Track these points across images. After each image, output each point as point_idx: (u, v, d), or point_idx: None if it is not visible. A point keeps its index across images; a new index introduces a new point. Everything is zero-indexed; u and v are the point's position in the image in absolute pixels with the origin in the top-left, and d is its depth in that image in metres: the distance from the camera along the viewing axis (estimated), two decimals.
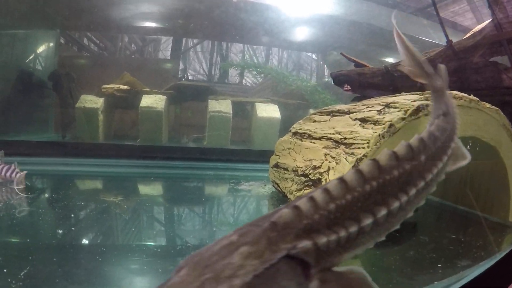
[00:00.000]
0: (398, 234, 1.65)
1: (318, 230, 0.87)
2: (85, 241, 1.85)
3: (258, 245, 0.83)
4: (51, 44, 6.30)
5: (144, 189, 3.47)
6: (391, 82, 2.18)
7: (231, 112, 5.01)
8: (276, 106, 5.19)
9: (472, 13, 4.81)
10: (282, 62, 7.42)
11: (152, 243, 1.90)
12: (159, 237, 2.03)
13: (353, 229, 0.89)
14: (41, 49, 6.25)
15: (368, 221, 0.91)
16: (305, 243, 0.84)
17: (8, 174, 2.68)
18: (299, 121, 2.55)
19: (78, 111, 5.14)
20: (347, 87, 6.74)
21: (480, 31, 2.09)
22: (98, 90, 5.41)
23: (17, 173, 2.69)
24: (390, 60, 5.25)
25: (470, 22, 4.85)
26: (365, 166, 0.94)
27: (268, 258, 0.80)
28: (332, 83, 6.94)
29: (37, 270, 1.39)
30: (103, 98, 5.30)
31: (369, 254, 1.56)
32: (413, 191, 0.99)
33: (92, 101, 5.22)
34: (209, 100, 5.22)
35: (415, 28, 5.28)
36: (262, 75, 6.75)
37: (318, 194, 0.89)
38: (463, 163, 1.27)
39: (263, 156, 4.32)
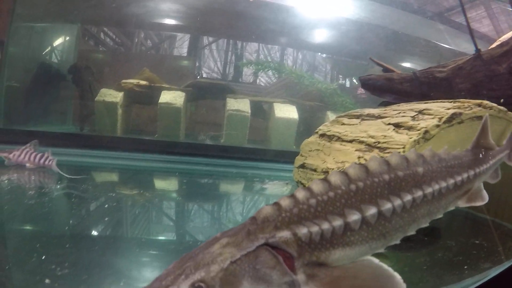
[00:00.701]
0: (426, 238, 1.74)
1: (298, 222, 0.91)
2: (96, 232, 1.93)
3: (237, 236, 0.89)
4: (72, 38, 6.37)
5: (171, 183, 3.59)
6: (419, 88, 2.25)
7: (249, 111, 5.07)
8: (294, 107, 5.24)
9: (490, 19, 4.84)
10: (297, 63, 7.47)
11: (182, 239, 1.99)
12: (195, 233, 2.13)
13: (337, 223, 0.93)
14: (61, 42, 6.32)
15: (354, 217, 0.95)
16: (284, 233, 0.89)
17: (42, 161, 2.86)
18: (326, 123, 2.62)
19: (97, 105, 5.20)
20: (361, 90, 6.80)
21: (508, 41, 2.15)
22: (118, 84, 5.47)
23: (50, 160, 2.86)
24: (407, 65, 5.30)
25: (487, 28, 4.87)
26: (351, 168, 1.02)
27: (246, 246, 0.86)
28: (347, 86, 7.04)
29: None
30: (123, 93, 5.37)
31: (400, 255, 1.65)
32: (408, 198, 1.04)
33: (111, 95, 5.29)
34: (227, 99, 5.27)
35: (432, 33, 5.32)
36: (277, 75, 6.81)
37: (299, 191, 0.96)
38: (478, 203, 1.35)
39: (281, 156, 4.43)
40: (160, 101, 5.15)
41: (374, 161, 1.05)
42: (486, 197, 1.37)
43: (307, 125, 5.20)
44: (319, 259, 0.92)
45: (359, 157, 1.85)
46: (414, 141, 1.64)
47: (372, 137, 1.89)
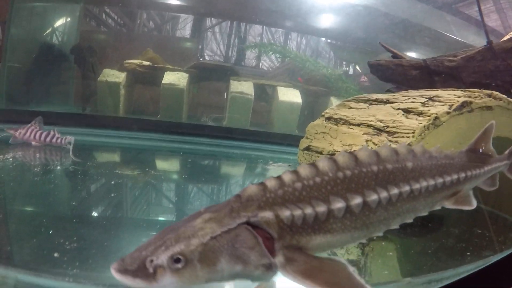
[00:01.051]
0: (430, 224, 1.77)
1: (281, 204, 0.91)
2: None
3: (220, 212, 0.90)
4: (74, 18, 6.31)
5: (174, 163, 3.63)
6: (428, 76, 2.25)
7: (253, 94, 5.07)
8: (298, 91, 5.24)
9: (497, 14, 4.80)
10: (300, 48, 7.43)
11: None
12: None
13: (321, 209, 0.92)
14: (63, 22, 6.26)
15: (338, 204, 0.94)
16: (266, 214, 0.89)
17: (48, 139, 2.85)
18: (332, 107, 2.62)
19: (100, 85, 5.21)
20: (364, 78, 6.79)
21: None
22: (121, 65, 5.46)
23: (60, 138, 2.87)
24: (413, 54, 5.28)
25: (495, 23, 4.84)
26: (340, 156, 1.01)
27: (227, 223, 0.87)
28: (350, 73, 7.02)
29: None
30: (125, 73, 5.36)
31: (406, 240, 1.68)
32: (394, 191, 1.03)
33: (114, 76, 5.29)
34: (231, 81, 5.27)
35: (439, 24, 5.29)
36: (280, 59, 6.78)
37: (286, 174, 0.96)
38: (466, 207, 1.31)
39: (284, 139, 4.46)
40: (163, 81, 5.15)
41: (364, 151, 1.04)
42: (474, 203, 1.33)
43: (310, 109, 5.21)
44: (299, 243, 0.92)
45: (367, 141, 1.87)
46: (424, 126, 1.65)
47: (380, 121, 1.90)
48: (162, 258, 0.82)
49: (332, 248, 1.01)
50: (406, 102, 1.91)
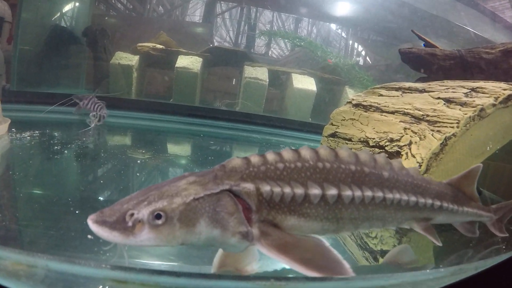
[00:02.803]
0: None
1: (263, 179, 0.95)
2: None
3: (205, 177, 0.93)
4: (84, 1, 6.26)
5: (196, 143, 3.68)
6: (463, 67, 2.24)
7: (267, 80, 5.05)
8: (312, 79, 5.21)
9: None
10: (311, 36, 7.40)
11: None
12: None
13: (298, 191, 0.96)
14: (74, 6, 6.21)
15: (315, 191, 0.98)
16: (248, 185, 0.93)
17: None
18: (359, 94, 2.61)
19: (112, 68, 5.20)
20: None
21: None
22: (134, 47, 5.44)
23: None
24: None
25: (509, 20, 4.83)
26: (321, 149, 1.04)
27: (211, 187, 0.90)
28: (361, 63, 6.97)
29: None
30: (138, 56, 5.34)
31: (421, 235, 1.67)
32: (368, 193, 1.06)
33: (127, 58, 5.28)
34: (245, 66, 5.24)
35: (458, 16, 5.26)
36: (294, 48, 6.74)
37: (270, 154, 1.00)
38: (432, 239, 1.29)
39: (300, 125, 4.48)
40: (177, 65, 5.13)
41: (345, 150, 1.08)
42: (436, 242, 1.29)
43: (324, 97, 5.19)
44: (274, 219, 0.96)
45: (405, 129, 1.85)
46: (470, 117, 1.64)
47: (419, 109, 1.89)
48: (144, 212, 0.84)
49: (303, 234, 1.02)
50: (446, 92, 1.90)
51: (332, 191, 1.00)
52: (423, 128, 1.77)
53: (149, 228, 0.83)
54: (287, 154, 1.01)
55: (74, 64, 5.98)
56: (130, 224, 0.83)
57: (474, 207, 1.41)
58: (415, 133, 1.79)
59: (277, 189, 0.94)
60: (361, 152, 1.12)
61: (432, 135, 1.69)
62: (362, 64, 6.99)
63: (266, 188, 0.94)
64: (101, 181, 2.06)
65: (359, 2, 5.98)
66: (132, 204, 0.86)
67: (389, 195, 1.11)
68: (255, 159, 0.98)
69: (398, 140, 1.85)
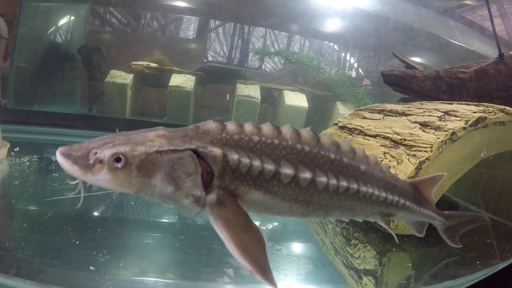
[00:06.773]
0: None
1: (233, 147, 0.94)
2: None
3: (175, 133, 0.94)
4: (81, 18, 6.34)
5: None
6: (441, 87, 2.31)
7: (260, 97, 5.11)
8: (304, 95, 5.29)
9: (501, 19, 4.82)
10: (304, 51, 7.48)
11: None
12: None
13: (269, 167, 0.95)
14: (71, 22, 6.28)
15: (287, 170, 0.97)
16: (216, 149, 0.93)
17: None
18: (345, 115, 2.69)
19: (107, 86, 5.22)
20: (366, 81, 6.82)
21: None
22: (128, 66, 5.49)
23: None
24: (417, 59, 5.33)
25: (498, 28, 4.85)
26: (304, 131, 1.04)
27: (177, 144, 0.91)
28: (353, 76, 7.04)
29: None
30: (133, 75, 5.39)
31: (419, 249, 1.75)
32: (343, 183, 1.07)
33: (121, 77, 5.31)
34: (238, 84, 5.31)
35: (441, 29, 5.33)
36: (283, 61, 6.80)
37: (249, 125, 0.99)
38: (393, 234, 1.41)
39: None
40: (170, 84, 5.18)
41: (327, 137, 1.07)
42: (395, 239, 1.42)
43: (316, 114, 5.24)
44: (237, 190, 0.95)
45: (384, 153, 1.94)
46: (442, 141, 1.72)
47: (397, 134, 1.97)
48: (106, 153, 0.86)
49: (267, 212, 1.03)
50: (422, 116, 1.98)
51: (306, 175, 0.99)
52: (400, 153, 1.85)
53: (108, 169, 0.86)
54: (266, 128, 0.99)
55: (69, 82, 6.01)
56: (91, 162, 0.86)
57: (430, 209, 1.48)
58: (394, 157, 1.87)
59: (245, 160, 0.93)
60: (343, 142, 1.12)
61: (408, 159, 1.77)
62: (354, 76, 7.06)
63: (233, 156, 0.93)
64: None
65: (348, 19, 6.05)
66: (98, 144, 0.88)
67: (363, 188, 1.14)
68: (231, 126, 0.97)
69: None
